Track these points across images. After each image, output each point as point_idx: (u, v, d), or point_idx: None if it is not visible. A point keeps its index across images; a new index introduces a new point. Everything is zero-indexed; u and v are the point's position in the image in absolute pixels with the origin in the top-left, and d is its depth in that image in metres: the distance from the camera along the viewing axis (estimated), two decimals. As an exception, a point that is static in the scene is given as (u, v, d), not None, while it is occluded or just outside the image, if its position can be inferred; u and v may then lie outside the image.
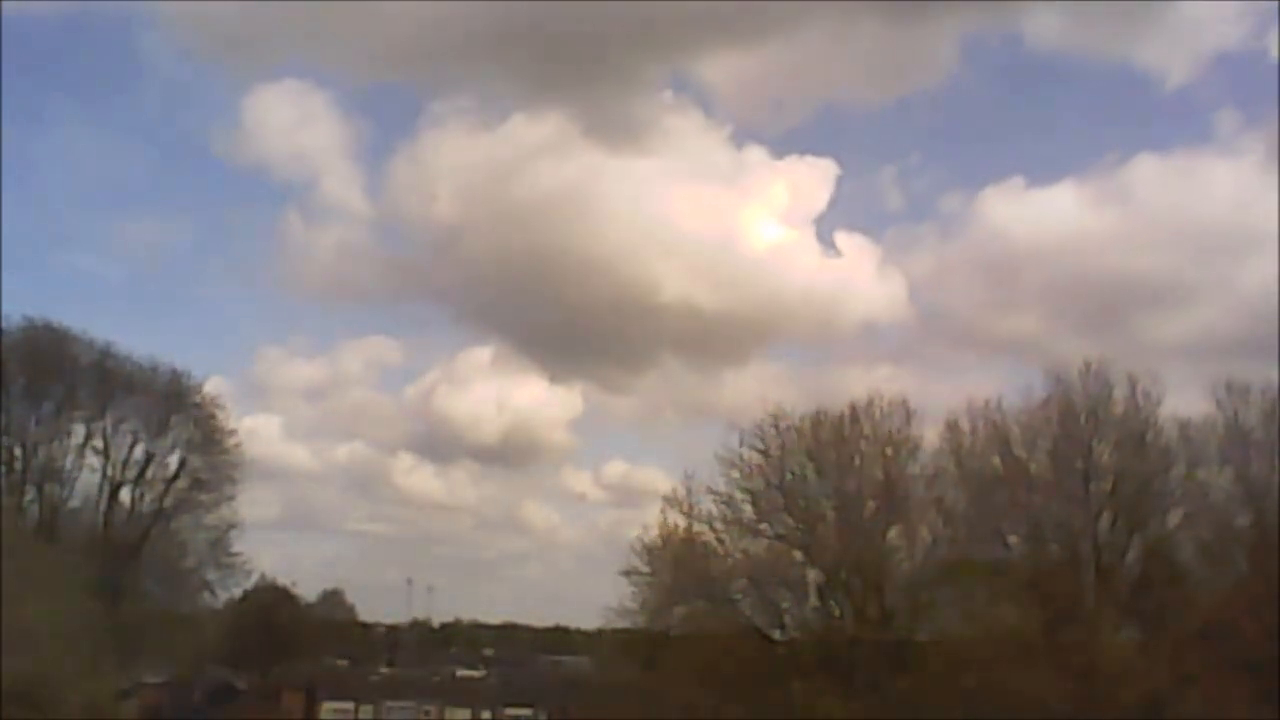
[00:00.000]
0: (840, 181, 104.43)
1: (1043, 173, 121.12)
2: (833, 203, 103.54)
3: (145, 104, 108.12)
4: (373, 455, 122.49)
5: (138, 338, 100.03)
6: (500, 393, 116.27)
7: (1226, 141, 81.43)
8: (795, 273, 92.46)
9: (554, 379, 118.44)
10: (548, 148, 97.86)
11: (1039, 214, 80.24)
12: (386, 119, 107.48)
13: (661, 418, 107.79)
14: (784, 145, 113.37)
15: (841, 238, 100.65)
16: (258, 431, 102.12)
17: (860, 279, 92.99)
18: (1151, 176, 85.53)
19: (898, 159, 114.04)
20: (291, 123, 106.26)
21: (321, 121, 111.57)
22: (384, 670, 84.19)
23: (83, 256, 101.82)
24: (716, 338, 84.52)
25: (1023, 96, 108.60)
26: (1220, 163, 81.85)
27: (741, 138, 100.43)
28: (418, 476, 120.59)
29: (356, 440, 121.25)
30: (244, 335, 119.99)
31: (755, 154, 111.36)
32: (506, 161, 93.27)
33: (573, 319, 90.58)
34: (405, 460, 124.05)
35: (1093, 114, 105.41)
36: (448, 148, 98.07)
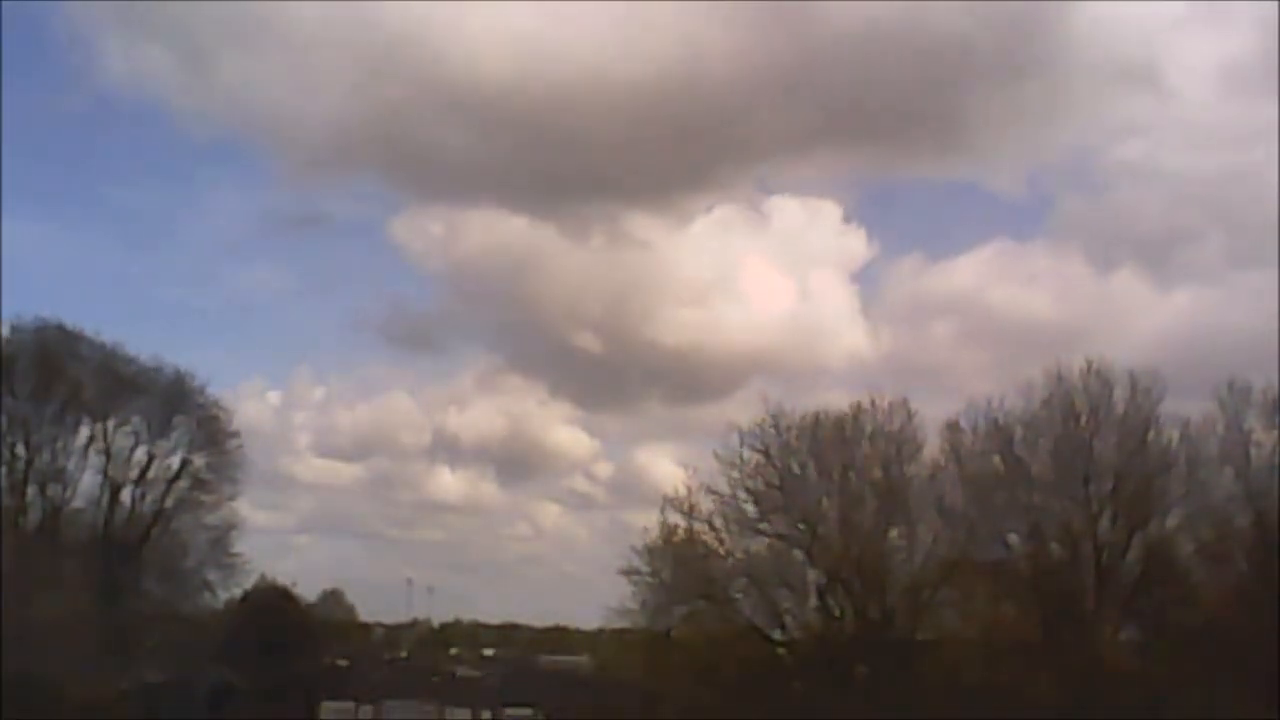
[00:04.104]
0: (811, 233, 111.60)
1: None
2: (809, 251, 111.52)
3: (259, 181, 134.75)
4: (383, 462, 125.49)
5: (204, 355, 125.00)
6: (503, 402, 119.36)
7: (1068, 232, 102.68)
8: (772, 315, 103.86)
9: (554, 397, 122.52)
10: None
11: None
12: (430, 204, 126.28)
13: (659, 426, 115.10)
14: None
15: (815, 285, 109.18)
16: (288, 441, 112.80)
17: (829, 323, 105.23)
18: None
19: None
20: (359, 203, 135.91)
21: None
22: (384, 670, 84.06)
23: (176, 290, 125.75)
24: (702, 372, 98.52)
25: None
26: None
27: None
28: (422, 480, 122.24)
29: (371, 447, 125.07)
30: (292, 354, 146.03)
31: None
32: (517, 243, 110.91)
33: (574, 352, 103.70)
34: (412, 465, 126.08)
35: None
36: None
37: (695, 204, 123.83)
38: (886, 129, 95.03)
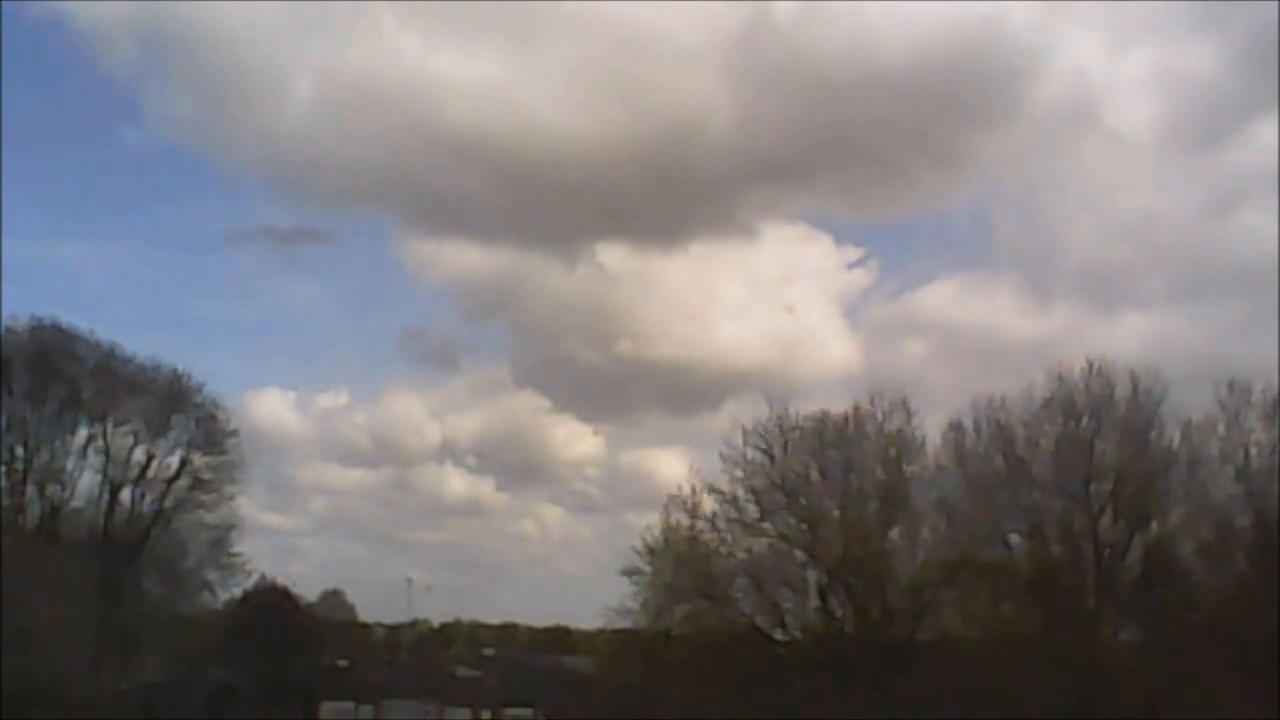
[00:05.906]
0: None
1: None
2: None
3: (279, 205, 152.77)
4: (391, 467, 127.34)
5: (216, 361, 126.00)
6: (507, 410, 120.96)
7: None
8: (763, 332, 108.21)
9: (556, 406, 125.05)
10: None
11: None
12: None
13: (659, 433, 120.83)
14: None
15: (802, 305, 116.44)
16: (301, 446, 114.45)
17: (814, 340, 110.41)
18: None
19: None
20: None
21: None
22: (384, 670, 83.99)
23: (209, 302, 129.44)
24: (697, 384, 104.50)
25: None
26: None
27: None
28: (428, 484, 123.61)
29: (380, 453, 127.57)
30: (305, 363, 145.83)
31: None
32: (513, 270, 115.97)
33: (578, 366, 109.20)
34: (419, 470, 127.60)
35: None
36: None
37: (688, 234, 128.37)
38: (871, 165, 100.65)
